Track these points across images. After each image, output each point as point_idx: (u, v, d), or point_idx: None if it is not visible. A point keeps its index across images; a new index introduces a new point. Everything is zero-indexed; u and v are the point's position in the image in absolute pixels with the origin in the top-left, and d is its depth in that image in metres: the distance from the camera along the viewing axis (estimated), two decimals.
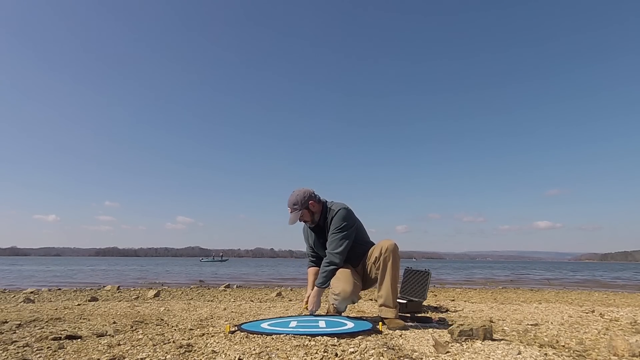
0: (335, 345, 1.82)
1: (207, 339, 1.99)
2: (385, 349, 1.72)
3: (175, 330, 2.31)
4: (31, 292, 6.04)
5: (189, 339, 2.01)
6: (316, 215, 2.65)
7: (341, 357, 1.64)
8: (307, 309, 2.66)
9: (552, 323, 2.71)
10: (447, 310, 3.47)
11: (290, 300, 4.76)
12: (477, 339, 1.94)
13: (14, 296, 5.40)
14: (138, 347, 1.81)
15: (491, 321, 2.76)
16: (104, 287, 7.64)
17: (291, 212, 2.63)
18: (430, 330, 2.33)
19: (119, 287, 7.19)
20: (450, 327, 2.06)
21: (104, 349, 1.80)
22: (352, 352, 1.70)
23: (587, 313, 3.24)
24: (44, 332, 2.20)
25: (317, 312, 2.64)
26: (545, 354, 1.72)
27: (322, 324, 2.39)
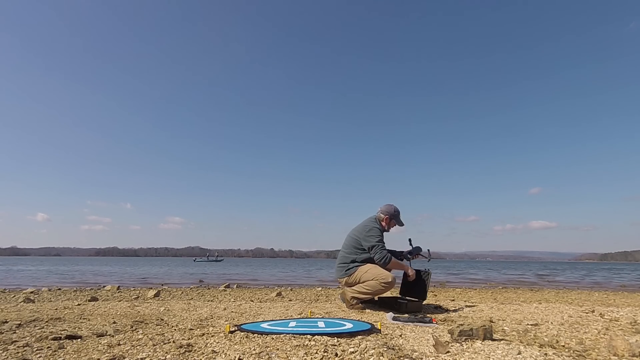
0: (335, 345, 1.82)
1: (207, 339, 2.00)
2: (385, 349, 1.73)
3: (175, 330, 2.31)
4: (31, 292, 6.04)
5: (189, 339, 2.01)
6: None
7: (341, 357, 1.64)
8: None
9: (552, 323, 2.70)
10: (447, 310, 3.47)
11: (290, 300, 4.76)
12: (477, 339, 1.94)
13: (14, 296, 5.40)
14: (138, 347, 1.81)
15: (491, 321, 2.76)
16: (104, 287, 7.64)
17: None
18: (430, 330, 2.33)
19: (119, 287, 7.19)
20: (450, 327, 2.06)
21: (104, 349, 1.80)
22: (352, 352, 1.70)
23: (587, 313, 3.24)
24: (44, 332, 2.20)
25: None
26: (545, 354, 1.72)
27: (321, 324, 2.39)
